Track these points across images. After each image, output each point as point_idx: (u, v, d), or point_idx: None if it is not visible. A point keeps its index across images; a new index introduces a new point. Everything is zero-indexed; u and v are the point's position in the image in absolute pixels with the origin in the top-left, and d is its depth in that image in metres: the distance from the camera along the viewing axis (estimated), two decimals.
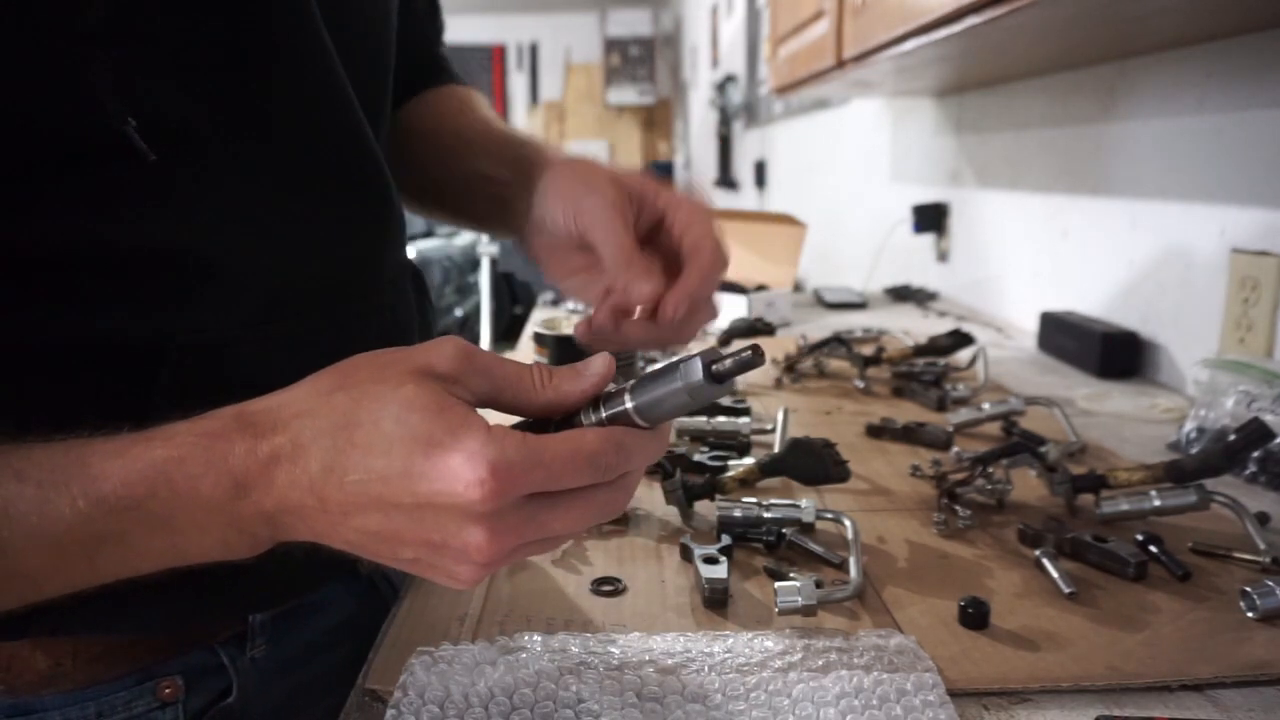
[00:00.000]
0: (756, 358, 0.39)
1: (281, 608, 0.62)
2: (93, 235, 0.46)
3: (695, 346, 0.54)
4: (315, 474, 0.39)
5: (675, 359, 0.41)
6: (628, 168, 0.64)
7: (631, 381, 0.42)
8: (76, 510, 0.38)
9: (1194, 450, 0.87)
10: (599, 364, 0.42)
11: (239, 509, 0.39)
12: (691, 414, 0.94)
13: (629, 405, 0.41)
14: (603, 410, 0.42)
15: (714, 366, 0.40)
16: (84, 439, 0.40)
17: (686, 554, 0.66)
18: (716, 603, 0.60)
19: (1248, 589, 0.58)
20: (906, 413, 1.03)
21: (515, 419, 0.44)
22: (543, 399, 0.42)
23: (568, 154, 0.65)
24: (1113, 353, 1.24)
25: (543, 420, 0.43)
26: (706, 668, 0.51)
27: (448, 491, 0.37)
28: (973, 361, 1.19)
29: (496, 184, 0.69)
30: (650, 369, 0.42)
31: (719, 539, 0.67)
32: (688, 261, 0.58)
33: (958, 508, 0.73)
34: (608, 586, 0.62)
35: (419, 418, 0.38)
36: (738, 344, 0.41)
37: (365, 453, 0.38)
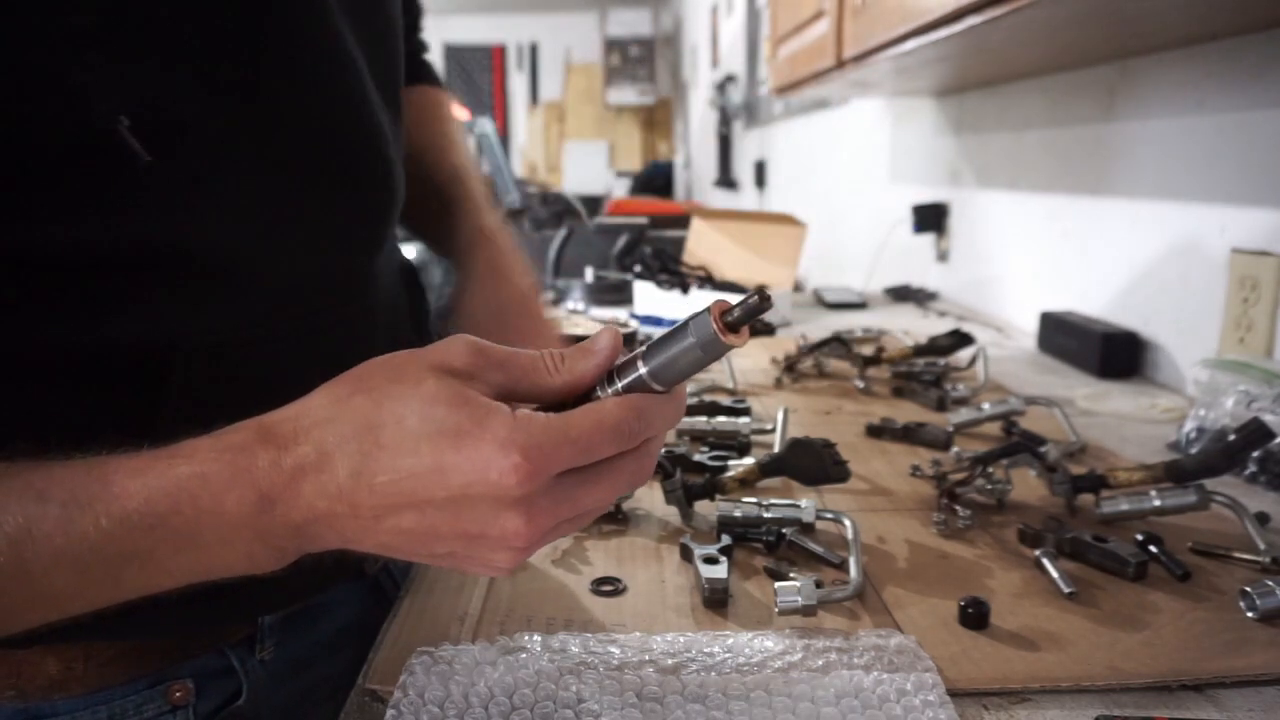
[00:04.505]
0: (765, 302, 0.39)
1: (290, 610, 0.62)
2: (96, 238, 0.46)
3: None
4: (343, 480, 0.38)
5: (684, 319, 0.41)
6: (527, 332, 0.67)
7: (642, 348, 0.42)
8: (100, 529, 0.38)
9: (1194, 450, 0.87)
10: (606, 338, 0.42)
11: (265, 523, 0.39)
12: (691, 414, 0.94)
13: (643, 371, 0.41)
14: (617, 382, 0.42)
15: (724, 317, 0.40)
16: (105, 457, 0.39)
17: (686, 554, 0.66)
18: (716, 603, 0.60)
19: (1248, 589, 0.58)
20: (906, 413, 1.03)
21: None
22: (559, 382, 0.42)
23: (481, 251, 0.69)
24: (1113, 353, 1.24)
25: (559, 403, 0.43)
26: (706, 668, 0.51)
27: (482, 481, 0.37)
28: (973, 361, 1.19)
29: (422, 226, 0.72)
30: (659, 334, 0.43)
31: (719, 539, 0.67)
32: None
33: (958, 508, 0.73)
34: (608, 586, 0.62)
35: (444, 411, 0.38)
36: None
37: (393, 453, 0.38)
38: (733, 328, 0.40)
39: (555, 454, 0.38)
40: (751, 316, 0.40)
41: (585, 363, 0.42)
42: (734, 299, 0.40)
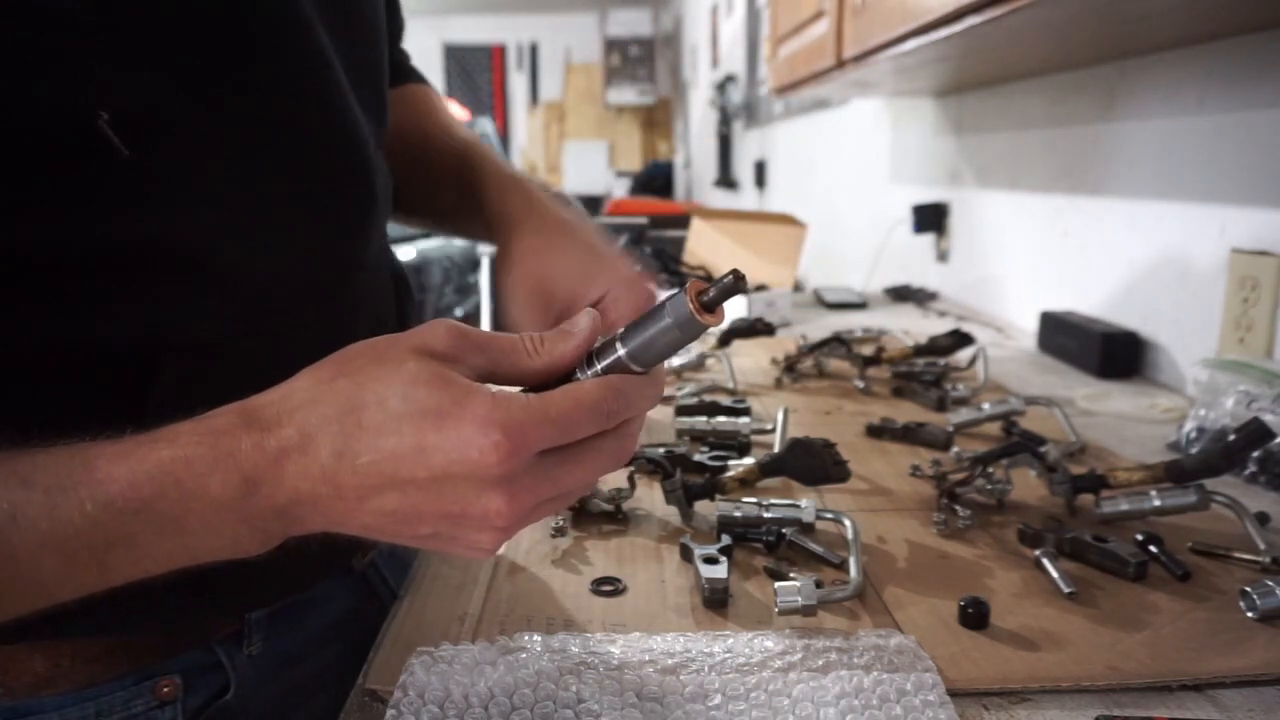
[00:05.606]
0: (739, 283, 0.40)
1: (278, 604, 0.62)
2: (79, 236, 0.46)
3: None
4: (326, 462, 0.39)
5: (660, 300, 0.42)
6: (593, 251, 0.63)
7: (621, 330, 0.42)
8: (85, 514, 0.38)
9: (1194, 450, 0.87)
10: (585, 320, 0.43)
11: (250, 505, 0.39)
12: (691, 414, 0.94)
13: (622, 352, 0.42)
14: (597, 363, 0.43)
15: (700, 298, 0.40)
16: (88, 443, 0.40)
17: (686, 554, 0.66)
18: (716, 603, 0.60)
19: (1248, 589, 0.58)
20: (906, 413, 1.03)
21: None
22: (539, 364, 0.42)
23: (513, 193, 0.67)
24: (1113, 353, 1.24)
25: (540, 386, 0.44)
26: (706, 668, 0.51)
27: (462, 460, 0.38)
28: (973, 361, 1.19)
29: (446, 203, 0.72)
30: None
31: (719, 539, 0.67)
32: None
33: (958, 508, 0.73)
34: (608, 586, 0.62)
35: (425, 392, 0.38)
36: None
37: (375, 433, 0.38)
38: (708, 307, 0.40)
39: (535, 433, 0.39)
40: (726, 296, 0.40)
41: (565, 344, 0.43)
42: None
